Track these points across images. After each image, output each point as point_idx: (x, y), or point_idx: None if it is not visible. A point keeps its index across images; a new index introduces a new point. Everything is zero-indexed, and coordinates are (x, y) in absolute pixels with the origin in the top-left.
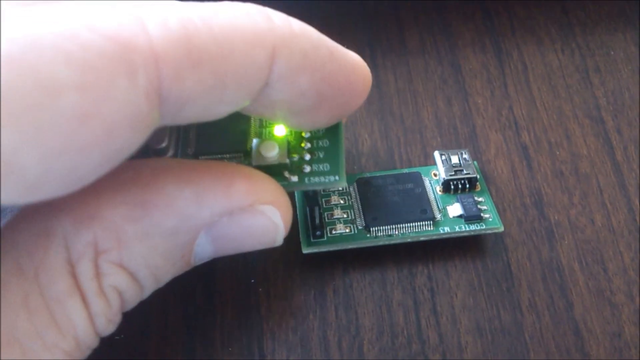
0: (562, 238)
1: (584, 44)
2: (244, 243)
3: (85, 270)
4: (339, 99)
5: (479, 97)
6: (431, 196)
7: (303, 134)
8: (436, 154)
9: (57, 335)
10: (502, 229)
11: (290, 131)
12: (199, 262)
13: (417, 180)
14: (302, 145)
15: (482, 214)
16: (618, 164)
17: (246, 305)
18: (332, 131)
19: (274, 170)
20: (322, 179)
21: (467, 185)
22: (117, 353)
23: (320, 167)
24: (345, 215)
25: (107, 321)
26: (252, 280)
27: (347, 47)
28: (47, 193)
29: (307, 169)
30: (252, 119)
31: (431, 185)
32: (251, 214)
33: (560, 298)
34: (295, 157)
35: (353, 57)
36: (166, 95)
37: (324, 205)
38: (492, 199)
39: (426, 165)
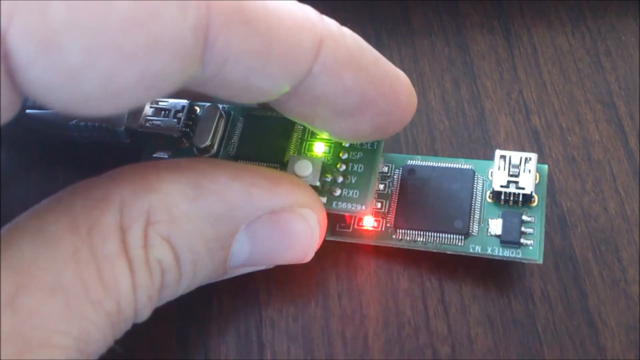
0: (574, 226)
1: (594, 27)
2: (280, 247)
3: (135, 237)
4: (383, 105)
5: (488, 80)
6: (476, 202)
7: (340, 154)
8: (497, 153)
9: (101, 293)
10: (540, 261)
11: (329, 149)
12: (234, 267)
13: (467, 180)
14: (337, 166)
15: (522, 240)
16: (631, 151)
17: (244, 289)
18: (369, 157)
19: None
20: (349, 205)
21: (520, 199)
22: None
23: (350, 192)
24: (379, 205)
25: (147, 298)
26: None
27: (351, 27)
28: (86, 95)
29: (337, 192)
30: (294, 133)
31: (483, 189)
32: (290, 215)
33: (574, 288)
34: (329, 177)
35: (398, 70)
36: (212, 42)
37: None
38: (546, 220)
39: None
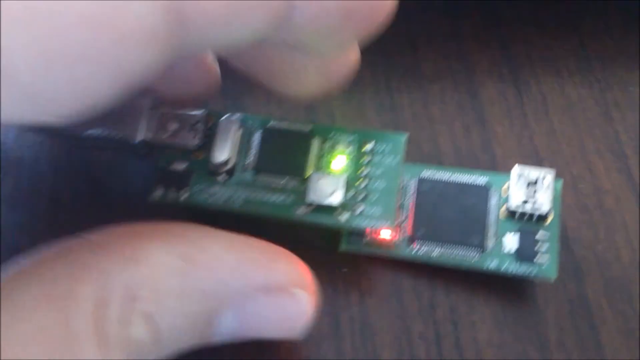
0: (588, 274)
1: (602, 78)
2: (268, 326)
3: (113, 312)
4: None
5: (498, 126)
6: (491, 218)
7: (360, 171)
8: (514, 170)
9: None
10: (553, 277)
11: (348, 165)
12: (218, 339)
13: (483, 196)
14: (357, 183)
15: (537, 257)
16: None
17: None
18: (390, 172)
19: (325, 209)
20: (371, 222)
21: (535, 217)
22: None
23: (372, 209)
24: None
25: None
26: None
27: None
28: (52, 109)
29: (358, 209)
30: (312, 147)
31: (498, 204)
32: (284, 295)
33: (590, 337)
34: (349, 194)
35: None
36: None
37: None
38: (559, 238)
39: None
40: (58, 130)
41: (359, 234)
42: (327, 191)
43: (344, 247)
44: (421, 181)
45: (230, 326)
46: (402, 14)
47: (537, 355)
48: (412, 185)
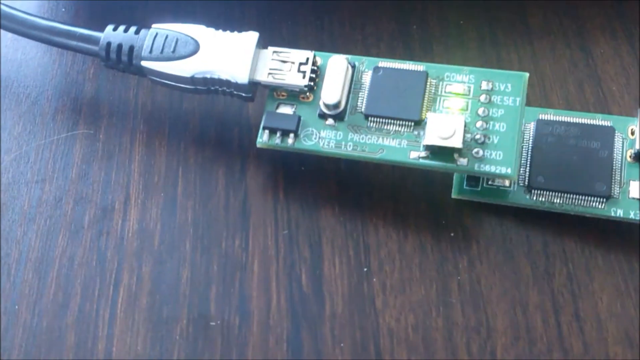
0: None
1: None
2: None
3: None
4: None
5: (614, 84)
6: (617, 163)
7: (479, 112)
8: None
9: None
10: None
11: (466, 105)
12: None
13: (607, 139)
14: (477, 125)
15: None
16: None
17: (359, 296)
18: (511, 114)
19: (444, 152)
20: (492, 168)
21: None
22: (211, 340)
23: (493, 154)
24: None
25: None
26: (365, 269)
27: (464, 23)
28: None
29: (478, 153)
30: (428, 87)
31: (622, 148)
32: None
33: None
34: (468, 137)
35: None
36: None
37: None
38: None
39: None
40: (161, 70)
41: (473, 180)
42: (446, 132)
43: (455, 194)
44: (539, 123)
45: None
46: None
47: None
48: (530, 128)
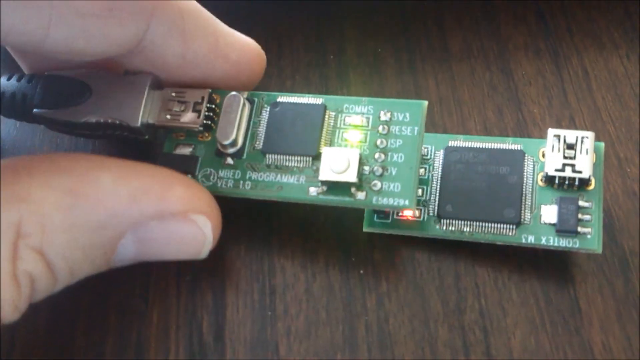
0: (637, 269)
1: None
2: (169, 250)
3: (3, 250)
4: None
5: (535, 106)
6: (527, 187)
7: (377, 143)
8: (549, 132)
9: None
10: (599, 251)
11: (365, 137)
12: (118, 264)
13: (517, 163)
14: (375, 157)
15: (579, 229)
16: None
17: (262, 342)
18: (409, 144)
19: (340, 187)
20: (390, 200)
21: (577, 183)
22: None
23: (391, 186)
24: (420, 192)
25: (13, 308)
26: (269, 313)
27: (384, 51)
28: None
29: (376, 186)
30: (326, 121)
31: (533, 171)
32: (183, 221)
33: (638, 340)
34: (366, 169)
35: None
36: None
37: None
38: (602, 205)
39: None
40: (54, 117)
41: (382, 212)
42: (340, 167)
43: (366, 228)
44: (447, 150)
45: (129, 253)
46: None
47: None
48: (438, 157)
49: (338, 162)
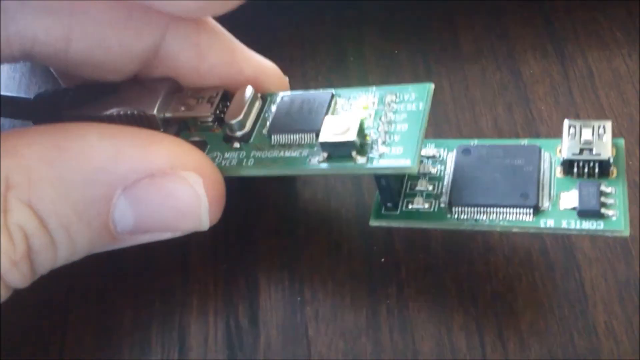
0: (638, 255)
1: None
2: (166, 213)
3: None
4: None
5: (542, 104)
6: (545, 177)
7: (382, 118)
8: (565, 123)
9: None
10: (626, 233)
11: (369, 114)
12: (122, 233)
13: (532, 156)
14: (379, 129)
15: (602, 211)
16: None
17: (292, 325)
18: (414, 117)
19: (341, 151)
20: (392, 162)
21: (597, 170)
22: None
23: (393, 150)
24: (430, 188)
25: (11, 263)
26: (299, 299)
27: (398, 53)
28: None
29: (378, 150)
30: (332, 103)
31: (551, 165)
32: (172, 178)
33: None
34: (369, 139)
35: None
36: None
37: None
38: (626, 191)
39: (554, 136)
40: (82, 115)
41: (391, 201)
42: (340, 129)
43: (373, 221)
44: (460, 147)
45: (128, 219)
46: None
47: (584, 344)
48: (451, 157)
49: (338, 126)
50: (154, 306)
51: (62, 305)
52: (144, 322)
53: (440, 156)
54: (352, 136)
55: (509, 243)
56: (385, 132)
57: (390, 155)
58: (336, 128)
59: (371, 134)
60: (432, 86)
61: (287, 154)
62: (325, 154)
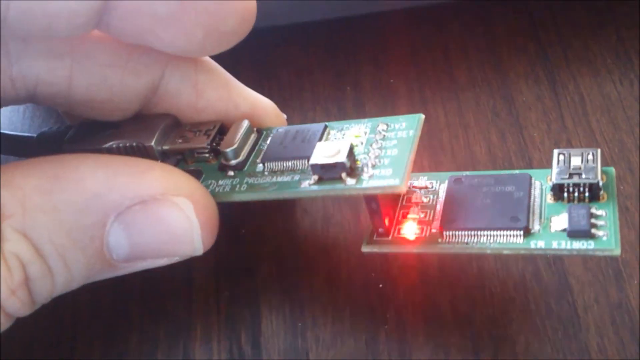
0: (631, 278)
1: None
2: (159, 238)
3: None
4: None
5: (535, 130)
6: (535, 203)
7: (373, 145)
8: (554, 152)
9: None
10: (617, 252)
11: (361, 142)
12: (118, 260)
13: (523, 183)
14: (370, 155)
15: (592, 231)
16: None
17: (294, 350)
18: (403, 142)
19: (331, 174)
20: (381, 182)
21: (587, 194)
22: None
23: (382, 172)
24: (422, 215)
25: (9, 291)
26: (300, 324)
27: (394, 82)
28: None
29: (367, 172)
30: (325, 134)
31: (542, 192)
32: (163, 204)
33: (631, 342)
34: (359, 164)
35: None
36: None
37: (403, 202)
38: (617, 214)
39: (546, 162)
40: (84, 148)
41: (381, 229)
42: (331, 152)
43: (365, 248)
44: (452, 178)
45: (122, 243)
46: (433, 21)
47: None
48: (442, 188)
49: (329, 150)
50: (158, 335)
51: (69, 334)
52: (149, 350)
53: (432, 187)
54: (342, 157)
55: (504, 268)
56: (376, 157)
57: (380, 176)
58: (327, 151)
59: (361, 159)
60: (422, 117)
61: (279, 179)
62: (315, 177)
